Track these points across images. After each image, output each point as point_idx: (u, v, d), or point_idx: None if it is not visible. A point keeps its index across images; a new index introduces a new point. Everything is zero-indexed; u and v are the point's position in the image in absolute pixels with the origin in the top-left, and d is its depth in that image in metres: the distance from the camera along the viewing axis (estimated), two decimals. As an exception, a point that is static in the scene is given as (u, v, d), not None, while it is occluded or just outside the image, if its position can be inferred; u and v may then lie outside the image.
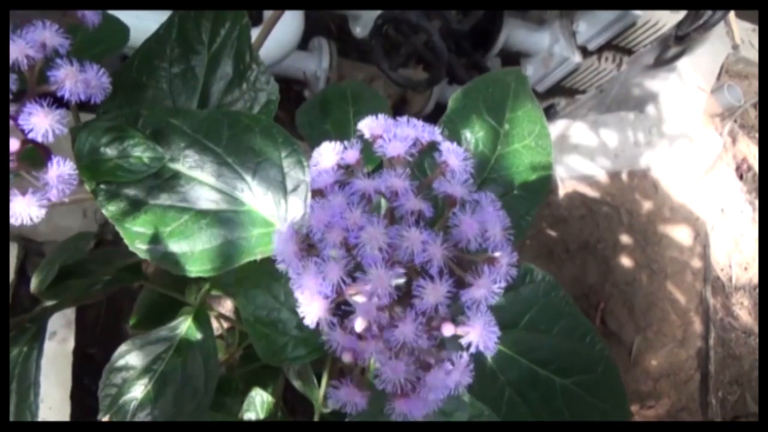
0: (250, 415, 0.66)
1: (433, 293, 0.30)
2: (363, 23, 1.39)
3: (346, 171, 0.34)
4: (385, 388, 0.31)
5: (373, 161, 0.35)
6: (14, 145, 0.35)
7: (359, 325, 0.30)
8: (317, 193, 0.34)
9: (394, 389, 0.31)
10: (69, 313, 1.01)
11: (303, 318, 0.31)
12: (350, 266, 0.30)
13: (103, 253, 0.64)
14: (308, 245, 0.32)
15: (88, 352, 1.06)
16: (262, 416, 0.65)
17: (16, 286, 1.04)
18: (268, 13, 1.18)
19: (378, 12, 1.29)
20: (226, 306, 1.04)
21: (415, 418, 0.31)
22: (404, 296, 0.31)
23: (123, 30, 0.49)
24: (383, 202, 0.33)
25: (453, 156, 0.34)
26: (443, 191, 0.33)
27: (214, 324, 0.90)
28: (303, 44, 1.38)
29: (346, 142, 0.35)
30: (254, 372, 0.70)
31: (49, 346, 0.98)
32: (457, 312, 0.31)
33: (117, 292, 1.14)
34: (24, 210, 0.35)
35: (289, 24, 1.20)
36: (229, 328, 0.81)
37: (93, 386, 1.01)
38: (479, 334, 0.31)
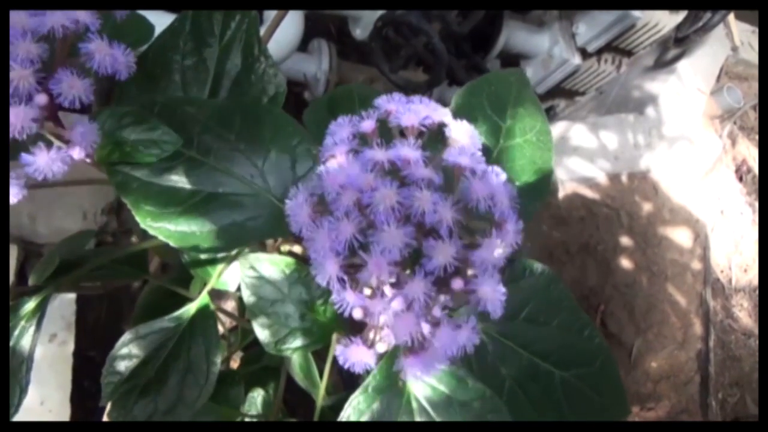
0: (251, 414, 0.66)
1: (442, 253, 0.31)
2: (363, 25, 1.39)
3: (361, 141, 0.35)
4: (394, 346, 0.31)
5: (388, 141, 0.36)
6: (43, 98, 0.36)
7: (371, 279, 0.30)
8: (332, 159, 0.35)
9: (404, 344, 0.32)
10: (69, 316, 1.01)
11: (315, 276, 0.32)
12: (363, 224, 0.31)
13: (103, 251, 0.64)
14: (322, 209, 0.33)
15: (88, 354, 1.06)
16: (263, 416, 0.65)
17: (16, 287, 1.04)
18: (269, 15, 1.19)
19: (378, 14, 1.30)
20: (229, 304, 1.04)
21: (425, 375, 0.32)
22: (414, 259, 0.32)
23: (148, 27, 0.50)
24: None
25: (462, 132, 0.35)
26: (453, 161, 0.34)
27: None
28: (303, 46, 1.39)
29: (363, 113, 0.36)
30: (255, 372, 0.70)
31: (49, 349, 0.98)
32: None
33: (117, 294, 1.14)
34: (47, 165, 0.36)
35: (289, 26, 1.21)
36: (231, 328, 0.81)
37: (93, 389, 1.01)
38: (487, 292, 0.32)
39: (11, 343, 0.43)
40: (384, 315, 0.31)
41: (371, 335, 0.33)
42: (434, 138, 0.35)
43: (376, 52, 1.32)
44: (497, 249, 0.32)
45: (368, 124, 0.35)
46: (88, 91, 0.37)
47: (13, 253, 1.05)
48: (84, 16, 0.37)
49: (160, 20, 0.49)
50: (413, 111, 0.35)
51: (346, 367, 0.33)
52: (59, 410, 0.95)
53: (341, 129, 0.35)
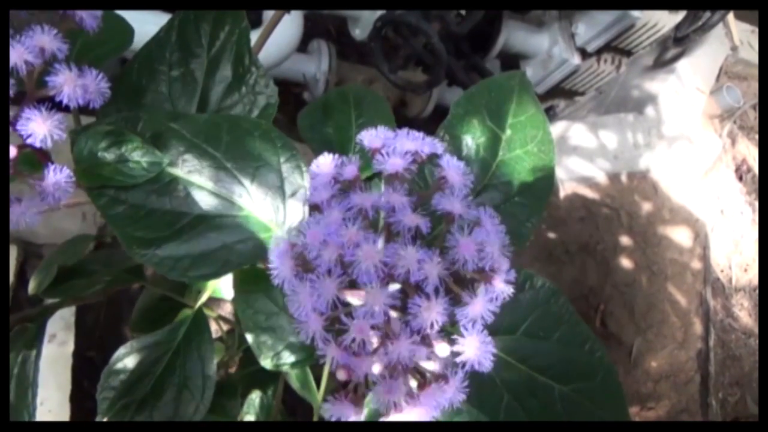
0: (249, 417, 0.66)
1: (428, 311, 0.30)
2: (362, 25, 1.39)
3: (344, 185, 0.34)
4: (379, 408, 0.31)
5: (370, 168, 0.35)
6: (12, 152, 0.35)
7: (353, 342, 0.30)
8: (314, 208, 0.34)
9: (389, 407, 0.31)
10: (68, 316, 1.01)
11: (298, 331, 0.31)
12: (345, 283, 0.30)
13: (102, 255, 0.64)
14: (304, 261, 0.32)
15: (88, 355, 1.06)
16: (261, 418, 0.65)
17: (16, 288, 1.04)
18: (267, 16, 1.18)
19: (377, 14, 1.29)
20: (226, 308, 1.04)
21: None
22: (400, 313, 0.31)
23: (128, 31, 0.49)
24: (381, 215, 0.33)
25: (453, 171, 0.34)
26: (442, 208, 0.33)
27: (214, 326, 0.90)
28: (302, 47, 1.38)
29: (344, 158, 0.35)
30: (254, 374, 0.70)
31: (49, 349, 0.98)
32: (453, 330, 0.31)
33: (116, 296, 1.14)
34: (21, 217, 0.36)
35: (288, 26, 1.20)
36: (228, 331, 0.81)
37: (92, 389, 1.01)
38: (475, 353, 0.31)
39: (15, 371, 0.43)
40: (368, 372, 0.31)
41: (358, 390, 0.32)
42: (423, 167, 0.34)
43: (376, 53, 1.31)
44: (486, 306, 0.31)
45: (350, 170, 0.34)
46: (60, 128, 0.35)
47: (13, 253, 1.05)
48: (50, 43, 0.36)
49: (159, 20, 0.47)
50: (398, 152, 0.34)
51: (333, 420, 0.32)
52: (59, 410, 0.95)
53: (323, 171, 0.34)
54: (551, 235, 1.40)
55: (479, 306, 0.31)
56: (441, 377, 0.32)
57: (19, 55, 0.35)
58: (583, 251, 1.41)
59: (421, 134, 0.35)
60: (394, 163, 0.33)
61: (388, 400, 0.30)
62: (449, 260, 0.31)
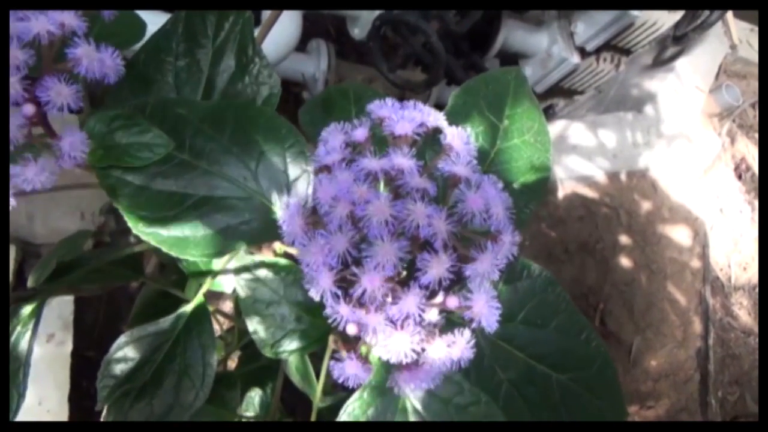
0: (249, 414, 0.66)
1: (436, 266, 0.30)
2: (361, 25, 1.39)
3: (354, 150, 0.35)
4: (388, 360, 0.31)
5: (381, 148, 0.36)
6: (29, 109, 0.36)
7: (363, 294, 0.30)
8: (325, 170, 0.34)
9: (398, 361, 0.31)
10: (67, 316, 1.01)
11: (308, 290, 0.32)
12: (356, 238, 0.31)
13: (101, 251, 0.64)
14: (314, 220, 0.33)
15: (86, 354, 1.06)
16: (261, 415, 0.65)
17: (14, 288, 1.04)
18: (266, 15, 1.18)
19: (376, 13, 1.30)
20: (227, 305, 1.04)
21: (416, 390, 0.32)
22: (409, 272, 0.31)
23: (140, 25, 0.50)
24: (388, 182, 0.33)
25: (457, 139, 0.35)
26: (448, 170, 0.33)
27: (214, 323, 0.90)
28: (301, 46, 1.39)
29: (355, 121, 0.35)
30: (253, 372, 0.70)
31: (47, 349, 0.98)
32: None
33: (115, 295, 1.14)
34: (36, 176, 0.36)
35: (287, 26, 1.20)
36: (229, 328, 0.81)
37: (91, 389, 1.01)
38: (482, 309, 0.31)
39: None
40: (378, 329, 0.31)
41: (365, 349, 0.33)
42: (429, 142, 0.35)
43: (375, 52, 1.31)
44: (492, 263, 0.31)
45: (361, 133, 0.35)
46: (76, 98, 0.36)
47: (11, 253, 1.05)
48: (70, 20, 0.37)
49: (157, 20, 0.48)
50: (406, 118, 0.35)
51: (340, 381, 0.32)
52: (57, 410, 0.95)
53: (333, 137, 0.35)
54: (551, 234, 1.41)
55: (487, 262, 0.31)
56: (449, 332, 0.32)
57: (42, 25, 0.36)
58: (583, 250, 1.41)
59: (427, 107, 0.36)
60: (403, 126, 0.34)
61: (397, 355, 0.31)
62: (457, 218, 0.32)
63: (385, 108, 0.36)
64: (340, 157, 0.34)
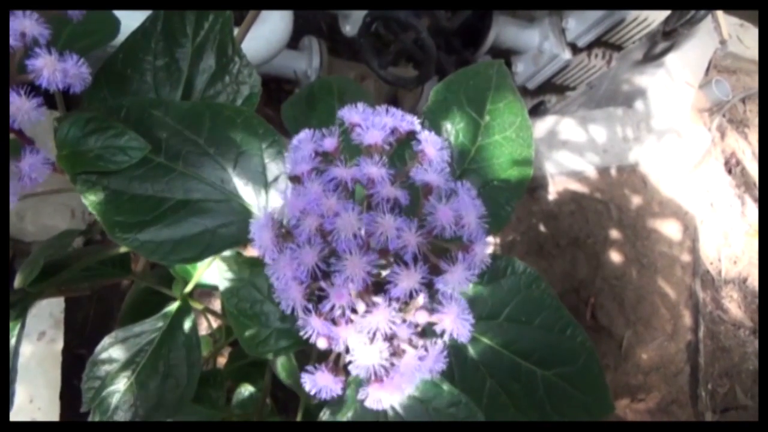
0: (238, 411, 0.66)
1: (407, 279, 0.30)
2: (353, 22, 1.39)
3: (324, 158, 0.34)
4: (359, 374, 0.31)
5: (356, 153, 0.36)
6: None
7: (332, 309, 0.30)
8: (295, 180, 0.34)
9: (367, 375, 0.31)
10: (57, 314, 1.01)
11: (279, 304, 0.31)
12: (325, 252, 0.31)
13: (90, 250, 0.64)
14: (285, 232, 0.32)
15: (77, 352, 1.06)
16: (250, 411, 0.65)
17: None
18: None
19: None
20: (215, 303, 1.04)
21: (387, 404, 0.32)
22: (379, 284, 0.31)
23: (114, 22, 0.49)
24: (361, 190, 0.33)
25: (430, 145, 0.34)
26: (420, 179, 0.33)
27: (203, 321, 0.90)
28: (293, 43, 1.38)
29: (324, 129, 0.35)
30: (242, 368, 0.70)
31: (38, 347, 0.98)
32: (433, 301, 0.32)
33: (106, 293, 1.13)
34: None
35: (279, 23, 1.20)
36: (218, 326, 0.81)
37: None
38: (453, 322, 0.31)
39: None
40: (349, 343, 0.31)
41: (338, 361, 0.32)
42: (406, 143, 0.35)
43: (366, 48, 1.31)
44: (464, 274, 0.31)
45: (330, 143, 0.34)
46: (38, 112, 0.35)
47: (2, 252, 1.05)
48: (32, 28, 0.36)
49: (129, 23, 0.47)
50: (377, 125, 0.34)
51: (313, 393, 0.32)
52: (48, 408, 0.95)
53: (304, 145, 0.34)
54: (542, 229, 1.41)
55: (458, 273, 0.31)
56: (420, 346, 0.32)
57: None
58: (574, 245, 1.42)
59: (400, 111, 0.35)
60: (373, 135, 0.34)
61: (366, 370, 0.31)
62: (427, 230, 0.31)
63: (356, 114, 0.35)
64: (309, 167, 0.33)
